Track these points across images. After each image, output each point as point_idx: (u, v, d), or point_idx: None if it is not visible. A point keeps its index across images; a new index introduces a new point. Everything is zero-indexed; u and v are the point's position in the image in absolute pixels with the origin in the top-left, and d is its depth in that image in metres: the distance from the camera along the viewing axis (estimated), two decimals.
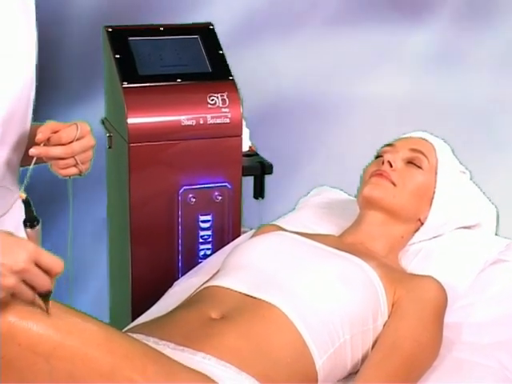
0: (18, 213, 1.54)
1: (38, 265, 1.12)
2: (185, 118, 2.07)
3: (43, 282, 1.14)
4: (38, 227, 1.15)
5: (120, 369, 1.23)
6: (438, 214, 1.85)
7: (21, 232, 1.56)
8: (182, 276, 2.09)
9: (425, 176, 1.83)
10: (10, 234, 1.13)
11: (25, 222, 1.14)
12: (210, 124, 2.09)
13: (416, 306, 1.61)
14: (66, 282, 1.65)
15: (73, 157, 1.41)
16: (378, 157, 1.87)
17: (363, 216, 1.84)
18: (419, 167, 1.83)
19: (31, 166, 1.40)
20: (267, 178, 2.30)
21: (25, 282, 1.12)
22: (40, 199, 2.55)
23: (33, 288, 1.14)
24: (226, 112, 2.11)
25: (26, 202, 1.15)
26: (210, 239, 2.17)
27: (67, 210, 1.50)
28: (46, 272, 1.13)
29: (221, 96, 2.11)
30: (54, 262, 1.14)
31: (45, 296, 1.17)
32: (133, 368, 1.24)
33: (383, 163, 1.81)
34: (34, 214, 1.15)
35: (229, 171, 2.15)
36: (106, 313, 2.47)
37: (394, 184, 1.80)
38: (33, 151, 1.38)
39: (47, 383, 1.18)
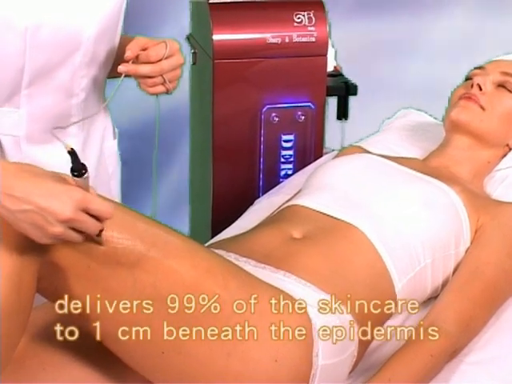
0: (102, 126, 1.56)
1: (87, 212, 1.11)
2: (270, 36, 2.05)
3: (92, 227, 1.13)
4: (87, 175, 1.14)
5: (202, 283, 1.24)
6: None
7: (109, 141, 1.58)
8: (262, 194, 2.10)
9: None
10: (61, 179, 1.13)
11: (72, 172, 1.14)
12: (296, 42, 2.07)
13: (500, 233, 1.59)
14: (149, 197, 1.68)
15: (161, 75, 1.40)
16: (467, 79, 1.82)
17: (449, 140, 1.80)
18: (510, 91, 1.77)
19: (119, 83, 1.40)
20: (351, 98, 2.27)
21: (73, 228, 1.12)
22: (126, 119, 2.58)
23: (82, 232, 1.13)
24: (311, 31, 2.08)
25: (72, 153, 1.15)
26: (291, 159, 2.16)
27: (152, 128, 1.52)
28: (96, 217, 1.13)
29: (307, 14, 2.08)
30: (103, 209, 1.12)
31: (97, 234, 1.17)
32: (215, 282, 1.25)
33: (472, 86, 1.77)
34: (81, 163, 1.14)
35: (313, 91, 2.13)
36: (187, 229, 2.50)
37: (483, 108, 1.75)
38: (121, 68, 1.38)
39: (131, 293, 1.20)
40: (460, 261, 1.58)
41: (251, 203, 2.01)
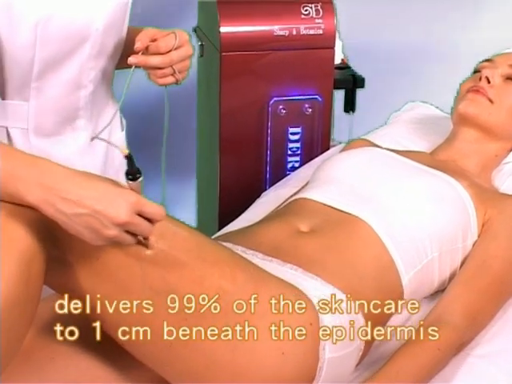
0: (110, 117, 1.56)
1: (140, 214, 1.12)
2: (277, 28, 2.05)
3: (145, 230, 1.14)
4: (141, 179, 1.15)
5: (210, 276, 1.24)
6: None
7: (117, 133, 1.58)
8: (269, 187, 2.10)
9: None
10: (114, 183, 1.14)
11: (127, 175, 1.15)
12: (303, 35, 2.07)
13: (507, 227, 1.59)
14: (157, 189, 1.68)
15: (170, 66, 1.40)
16: (475, 72, 1.82)
17: (457, 133, 1.80)
18: None
19: (129, 75, 1.40)
20: (358, 91, 2.27)
21: (127, 231, 1.13)
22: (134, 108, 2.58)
23: (135, 234, 1.14)
24: (319, 23, 2.08)
25: (129, 158, 1.16)
26: (298, 152, 2.16)
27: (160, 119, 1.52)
28: (149, 220, 1.14)
29: (315, 6, 2.08)
30: (156, 211, 1.14)
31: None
32: (222, 275, 1.25)
33: (481, 79, 1.76)
34: (136, 167, 1.16)
35: (320, 83, 2.13)
36: (193, 222, 2.50)
37: (491, 101, 1.75)
38: (131, 60, 1.38)
39: (140, 286, 1.21)
40: (467, 254, 1.58)
41: (258, 196, 2.01)
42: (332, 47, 2.10)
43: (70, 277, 1.21)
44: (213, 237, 1.63)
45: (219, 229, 1.99)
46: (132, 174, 1.16)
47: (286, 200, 1.73)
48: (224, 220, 2.01)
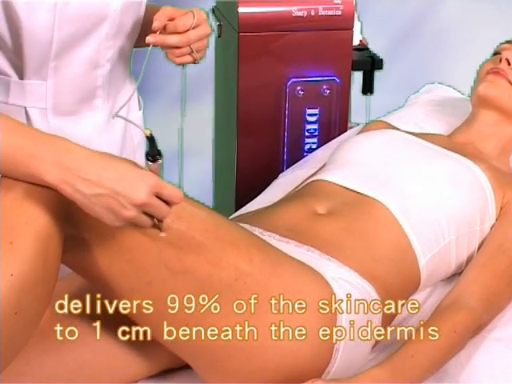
0: (127, 96, 1.56)
1: (158, 196, 1.13)
2: (296, 9, 2.04)
3: (163, 212, 1.15)
4: (161, 161, 1.16)
5: (226, 256, 1.24)
6: None
7: (134, 112, 1.59)
8: (286, 168, 2.10)
9: None
10: (134, 164, 1.15)
11: (147, 156, 1.16)
12: (322, 16, 2.06)
13: None
14: (175, 170, 1.68)
15: (188, 45, 1.40)
16: (495, 54, 1.81)
17: (476, 115, 1.79)
18: None
19: (147, 54, 1.40)
20: (377, 73, 2.26)
21: (144, 212, 1.14)
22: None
23: (151, 216, 1.15)
24: (338, 4, 2.07)
25: (151, 138, 1.16)
26: (316, 133, 2.16)
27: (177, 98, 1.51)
28: (166, 202, 1.14)
29: None
30: (174, 194, 1.14)
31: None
32: (239, 256, 1.25)
33: (501, 61, 1.75)
34: (158, 149, 1.16)
35: (338, 65, 2.12)
36: (210, 202, 2.50)
37: (511, 83, 1.73)
38: (149, 39, 1.38)
39: (156, 265, 1.21)
40: (485, 237, 1.57)
41: (275, 177, 2.01)
42: (350, 28, 2.09)
43: (85, 255, 1.21)
44: (229, 218, 1.63)
45: (236, 210, 1.99)
46: (152, 155, 1.16)
47: (304, 181, 1.73)
48: (241, 201, 2.01)
